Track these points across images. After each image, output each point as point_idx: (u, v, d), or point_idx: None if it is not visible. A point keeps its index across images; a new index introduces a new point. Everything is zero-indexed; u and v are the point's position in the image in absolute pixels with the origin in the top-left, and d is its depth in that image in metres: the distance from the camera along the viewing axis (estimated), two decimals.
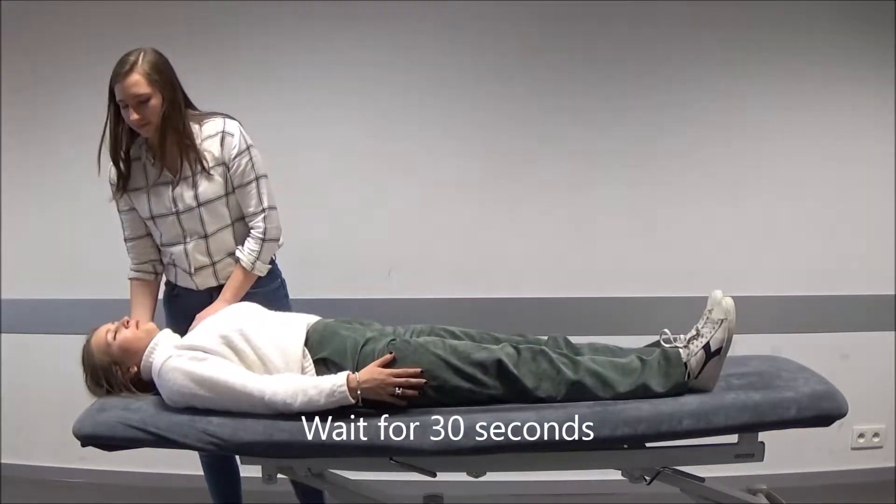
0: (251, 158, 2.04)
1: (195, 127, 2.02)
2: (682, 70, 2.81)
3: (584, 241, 2.86)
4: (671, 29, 2.79)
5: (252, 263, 2.06)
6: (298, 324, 1.86)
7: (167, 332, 1.93)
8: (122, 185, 2.05)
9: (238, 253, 2.07)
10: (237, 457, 2.15)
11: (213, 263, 2.09)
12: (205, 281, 2.10)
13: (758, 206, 2.84)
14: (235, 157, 2.01)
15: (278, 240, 2.12)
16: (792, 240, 2.85)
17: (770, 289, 2.82)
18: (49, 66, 2.91)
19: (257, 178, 2.05)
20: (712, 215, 2.85)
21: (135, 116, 1.91)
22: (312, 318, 1.92)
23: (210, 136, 2.02)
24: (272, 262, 2.17)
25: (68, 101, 2.91)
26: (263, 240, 2.06)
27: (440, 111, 2.84)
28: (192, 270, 2.09)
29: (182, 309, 2.12)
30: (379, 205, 2.86)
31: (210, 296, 2.08)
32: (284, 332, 1.82)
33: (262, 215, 2.06)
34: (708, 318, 1.77)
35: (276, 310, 1.97)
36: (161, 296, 2.22)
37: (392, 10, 2.80)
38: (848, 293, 2.84)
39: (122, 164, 2.02)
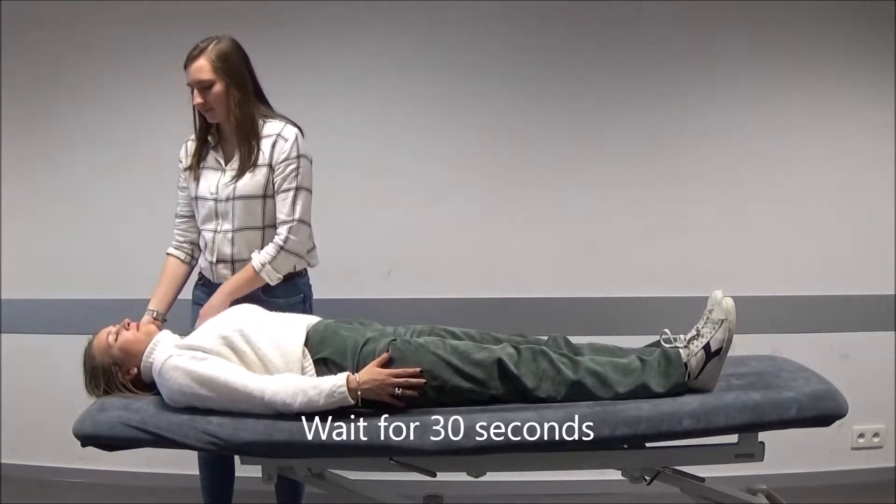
0: (298, 167, 2.04)
1: (258, 123, 2.05)
2: (682, 72, 2.81)
3: (584, 241, 2.86)
4: (671, 31, 2.79)
5: (261, 265, 2.03)
6: (299, 324, 1.87)
7: (166, 332, 1.94)
8: (192, 162, 2.11)
9: (254, 253, 2.06)
10: (237, 457, 2.16)
11: (234, 261, 2.09)
12: (221, 275, 2.11)
13: (758, 206, 2.84)
14: (282, 161, 2.03)
15: (299, 255, 2.09)
16: (792, 240, 2.85)
17: (770, 289, 2.82)
18: (50, 66, 2.91)
19: (297, 189, 2.04)
20: (712, 215, 2.85)
21: (198, 100, 1.99)
22: (313, 319, 1.93)
23: (267, 135, 2.05)
24: (300, 274, 2.16)
25: (69, 101, 2.91)
26: (282, 248, 2.04)
27: (441, 111, 2.84)
28: (214, 259, 2.10)
29: (205, 298, 2.12)
30: (379, 205, 2.86)
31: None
32: (284, 333, 1.82)
33: (289, 225, 2.04)
34: (708, 318, 1.77)
35: None
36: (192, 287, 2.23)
37: (392, 11, 2.80)
38: (848, 293, 2.85)
39: (198, 142, 2.10)
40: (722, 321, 1.74)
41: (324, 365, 1.78)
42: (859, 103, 2.83)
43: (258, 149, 2.04)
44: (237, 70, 2.00)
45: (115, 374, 1.86)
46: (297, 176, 2.04)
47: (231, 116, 2.01)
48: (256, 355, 1.77)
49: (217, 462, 2.26)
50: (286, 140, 2.03)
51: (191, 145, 2.14)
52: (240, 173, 2.04)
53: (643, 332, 1.97)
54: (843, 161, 2.84)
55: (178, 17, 2.80)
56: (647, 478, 1.79)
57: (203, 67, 1.96)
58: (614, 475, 1.86)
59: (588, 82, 2.82)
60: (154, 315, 2.10)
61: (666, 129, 2.83)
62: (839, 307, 2.85)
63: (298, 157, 2.04)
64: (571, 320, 2.78)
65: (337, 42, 2.83)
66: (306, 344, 1.81)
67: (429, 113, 2.84)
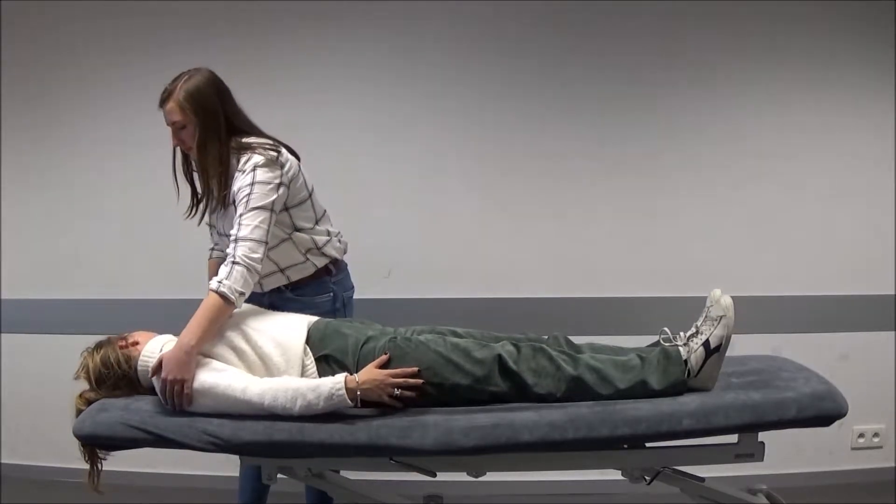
0: (249, 194, 1.90)
1: (233, 161, 1.97)
2: (682, 70, 2.81)
3: (584, 241, 2.85)
4: (671, 29, 2.79)
5: (217, 283, 1.83)
6: (300, 323, 1.87)
7: (164, 336, 1.90)
8: (195, 198, 2.11)
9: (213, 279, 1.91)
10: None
11: (282, 269, 2.07)
12: (270, 283, 2.09)
13: (758, 206, 2.84)
14: (236, 192, 1.93)
15: (252, 269, 1.85)
16: (792, 240, 2.85)
17: (770, 289, 2.82)
18: (50, 66, 2.91)
19: (244, 213, 1.90)
20: (712, 215, 2.85)
21: (174, 141, 1.99)
22: (313, 318, 1.93)
23: (238, 171, 1.96)
24: (328, 272, 2.13)
25: (69, 101, 2.92)
26: (233, 263, 1.84)
27: (441, 111, 2.84)
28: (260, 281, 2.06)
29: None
30: (379, 205, 2.86)
31: (268, 298, 2.08)
32: (285, 331, 1.83)
33: (234, 244, 1.87)
34: (707, 315, 1.78)
35: None
36: None
37: (394, 11, 2.80)
38: (848, 293, 2.85)
39: (187, 179, 2.10)
40: (721, 317, 1.74)
41: (325, 362, 1.79)
42: (858, 103, 2.83)
43: (228, 186, 1.97)
44: (208, 106, 1.93)
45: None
46: (247, 203, 1.90)
47: (205, 153, 1.95)
48: (257, 354, 1.77)
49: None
50: (243, 173, 1.93)
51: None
52: (222, 208, 2.02)
53: (643, 332, 1.97)
54: (843, 161, 2.84)
55: (178, 18, 2.80)
56: (647, 478, 1.79)
57: (172, 110, 1.93)
58: (614, 475, 1.86)
59: (587, 82, 2.81)
60: None
61: (666, 130, 2.82)
62: (839, 307, 2.85)
63: (252, 184, 1.91)
64: (571, 320, 2.77)
65: (338, 42, 2.83)
66: (308, 342, 1.82)
67: (429, 113, 2.84)
